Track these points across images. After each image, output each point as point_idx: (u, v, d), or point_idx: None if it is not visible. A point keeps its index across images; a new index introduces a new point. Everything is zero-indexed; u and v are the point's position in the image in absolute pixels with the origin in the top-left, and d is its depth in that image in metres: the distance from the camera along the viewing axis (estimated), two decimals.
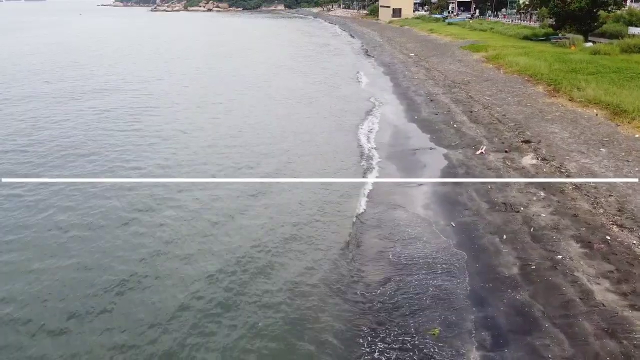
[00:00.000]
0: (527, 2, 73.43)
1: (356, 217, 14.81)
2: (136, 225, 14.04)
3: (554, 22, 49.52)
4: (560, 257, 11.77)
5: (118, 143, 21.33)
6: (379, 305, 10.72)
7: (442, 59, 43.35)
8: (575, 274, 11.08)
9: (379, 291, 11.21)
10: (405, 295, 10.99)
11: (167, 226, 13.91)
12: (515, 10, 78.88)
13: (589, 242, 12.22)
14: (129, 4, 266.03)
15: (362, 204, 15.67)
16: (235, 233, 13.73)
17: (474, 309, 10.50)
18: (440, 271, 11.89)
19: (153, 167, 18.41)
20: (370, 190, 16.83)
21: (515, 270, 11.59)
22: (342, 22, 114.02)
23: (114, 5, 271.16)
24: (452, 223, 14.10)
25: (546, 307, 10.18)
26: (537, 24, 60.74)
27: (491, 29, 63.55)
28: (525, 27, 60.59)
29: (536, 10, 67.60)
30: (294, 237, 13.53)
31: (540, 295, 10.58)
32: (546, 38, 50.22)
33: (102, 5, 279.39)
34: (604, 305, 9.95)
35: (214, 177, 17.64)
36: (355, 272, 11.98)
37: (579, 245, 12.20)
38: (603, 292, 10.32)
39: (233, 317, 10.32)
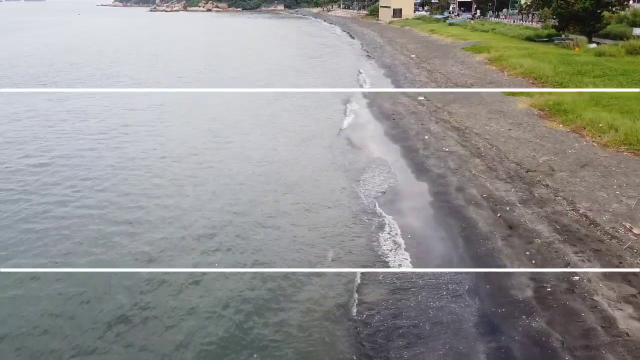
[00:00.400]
0: (528, 3, 72.57)
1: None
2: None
3: (557, 23, 48.52)
4: (577, 278, 11.04)
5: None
6: (376, 329, 10.01)
7: (443, 60, 42.63)
8: (594, 297, 10.35)
9: (377, 312, 10.50)
10: (406, 320, 10.27)
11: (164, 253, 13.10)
12: (517, 11, 77.96)
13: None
14: (128, 4, 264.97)
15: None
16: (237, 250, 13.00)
17: (485, 337, 9.79)
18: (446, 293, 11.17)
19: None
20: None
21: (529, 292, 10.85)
22: (342, 23, 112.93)
23: (113, 6, 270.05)
24: None
25: (565, 336, 9.45)
26: (539, 25, 59.90)
27: (493, 29, 62.41)
28: (527, 27, 59.71)
29: (538, 10, 66.76)
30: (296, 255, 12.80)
31: (558, 322, 9.86)
32: (549, 39, 49.28)
33: (102, 5, 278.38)
34: (628, 334, 9.22)
35: (213, 193, 16.89)
36: (353, 292, 11.25)
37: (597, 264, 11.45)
38: (626, 320, 9.58)
39: (229, 339, 9.66)
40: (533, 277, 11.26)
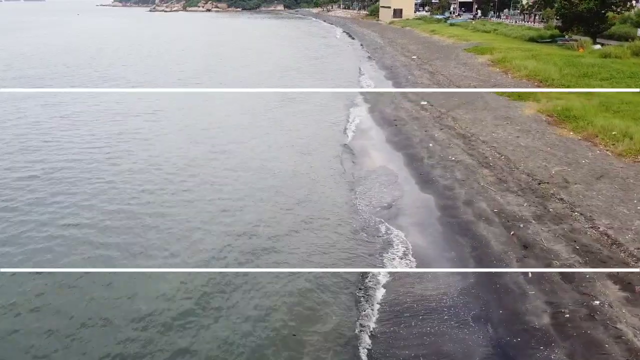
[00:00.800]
0: (530, 3, 71.89)
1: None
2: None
3: (561, 24, 47.75)
4: (597, 302, 10.24)
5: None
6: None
7: (445, 62, 41.90)
8: (617, 325, 9.56)
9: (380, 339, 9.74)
10: (412, 349, 9.48)
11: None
12: (518, 11, 77.18)
13: (629, 283, 10.68)
14: (128, 4, 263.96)
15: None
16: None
17: None
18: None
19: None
20: None
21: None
22: (342, 23, 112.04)
23: (113, 6, 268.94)
24: None
25: None
26: (541, 25, 59.16)
27: (494, 30, 61.72)
28: (529, 28, 59.02)
29: (540, 11, 66.13)
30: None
31: (580, 354, 9.07)
32: (552, 40, 48.45)
33: (101, 5, 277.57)
34: None
35: (215, 203, 16.09)
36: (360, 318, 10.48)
37: (617, 287, 10.66)
38: None
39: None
40: (550, 301, 10.47)
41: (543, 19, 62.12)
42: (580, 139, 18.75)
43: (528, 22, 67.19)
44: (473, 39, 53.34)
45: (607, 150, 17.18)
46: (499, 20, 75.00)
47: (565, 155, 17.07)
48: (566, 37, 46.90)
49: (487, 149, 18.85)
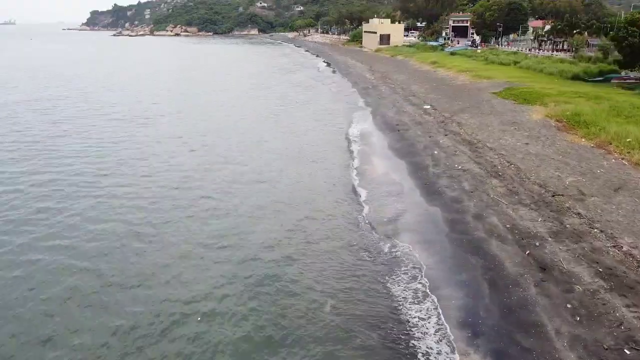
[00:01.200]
0: (547, 29, 60.80)
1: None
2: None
3: (623, 58, 35.62)
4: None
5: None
6: None
7: (479, 116, 25.11)
8: None
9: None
10: None
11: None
12: (532, 38, 64.14)
13: None
14: (96, 28, 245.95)
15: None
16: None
17: None
18: None
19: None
20: None
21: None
22: (321, 50, 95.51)
23: (80, 30, 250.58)
24: None
25: None
26: (566, 56, 47.69)
27: (515, 62, 46.84)
28: (561, 60, 44.57)
29: (561, 38, 54.98)
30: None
31: None
32: (604, 78, 37.19)
33: (68, 29, 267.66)
34: None
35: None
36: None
37: None
38: None
39: None
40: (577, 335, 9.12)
41: (570, 48, 50.24)
42: (593, 146, 17.80)
43: (544, 51, 54.78)
44: (492, 74, 38.85)
45: (623, 159, 16.23)
46: (508, 47, 62.36)
47: (579, 164, 16.13)
48: (623, 73, 37.13)
49: (495, 157, 17.92)
